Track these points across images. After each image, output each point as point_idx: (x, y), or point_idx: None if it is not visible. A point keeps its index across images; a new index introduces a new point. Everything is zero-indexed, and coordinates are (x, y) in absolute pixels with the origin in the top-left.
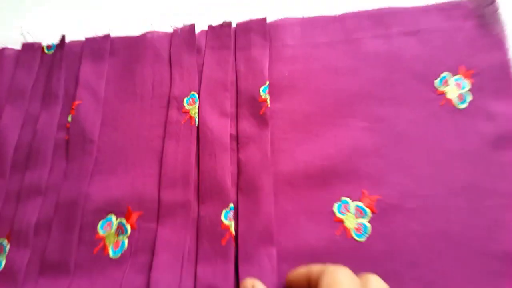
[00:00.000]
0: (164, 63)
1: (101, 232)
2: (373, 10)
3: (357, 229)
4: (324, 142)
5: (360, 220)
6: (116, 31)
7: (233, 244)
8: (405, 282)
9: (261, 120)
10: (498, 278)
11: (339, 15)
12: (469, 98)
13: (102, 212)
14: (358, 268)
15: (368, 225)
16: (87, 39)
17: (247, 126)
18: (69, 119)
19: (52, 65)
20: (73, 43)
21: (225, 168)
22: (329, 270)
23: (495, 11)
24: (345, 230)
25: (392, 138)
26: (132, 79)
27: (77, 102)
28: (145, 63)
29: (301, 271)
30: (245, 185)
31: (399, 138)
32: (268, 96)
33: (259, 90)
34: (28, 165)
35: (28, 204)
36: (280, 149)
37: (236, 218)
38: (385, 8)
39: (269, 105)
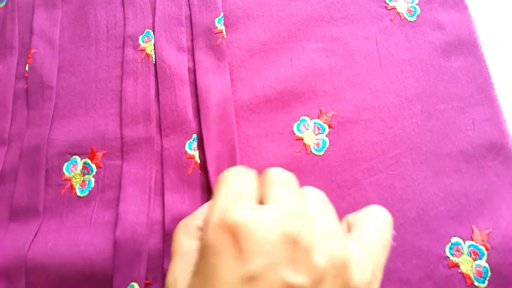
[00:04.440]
0: (117, 4)
1: (67, 173)
2: None
3: (316, 144)
4: (281, 66)
5: (319, 136)
6: None
7: (198, 171)
8: (364, 187)
9: (218, 51)
10: (452, 176)
11: None
12: (418, 10)
13: (66, 155)
14: (318, 179)
15: (326, 139)
16: None
17: (204, 57)
18: (27, 68)
19: (4, 17)
20: None
21: (185, 101)
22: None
23: None
24: (305, 146)
25: (346, 56)
26: (86, 23)
27: (32, 51)
28: (97, 6)
29: None
30: (207, 114)
31: (352, 55)
32: (223, 28)
33: (214, 22)
34: None
35: None
36: (239, 77)
37: (202, 148)
38: None
39: (225, 36)
